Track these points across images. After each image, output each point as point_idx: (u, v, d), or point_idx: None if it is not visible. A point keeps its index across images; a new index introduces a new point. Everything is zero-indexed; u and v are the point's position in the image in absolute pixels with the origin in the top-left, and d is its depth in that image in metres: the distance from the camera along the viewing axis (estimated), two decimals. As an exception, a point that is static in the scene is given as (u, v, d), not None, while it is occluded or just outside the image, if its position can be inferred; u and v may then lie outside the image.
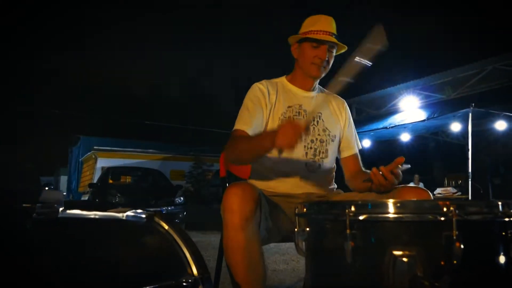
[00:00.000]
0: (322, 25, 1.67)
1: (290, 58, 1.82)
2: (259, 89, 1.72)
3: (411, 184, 2.22)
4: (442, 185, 9.19)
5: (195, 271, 1.20)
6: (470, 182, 6.21)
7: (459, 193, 7.89)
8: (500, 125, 7.76)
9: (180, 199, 8.60)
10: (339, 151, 1.84)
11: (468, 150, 6.39)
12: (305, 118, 1.67)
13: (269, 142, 1.38)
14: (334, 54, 1.71)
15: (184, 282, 1.16)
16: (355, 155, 1.84)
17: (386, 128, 7.95)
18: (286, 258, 3.83)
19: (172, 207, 8.14)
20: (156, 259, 1.18)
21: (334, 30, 1.69)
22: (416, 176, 9.24)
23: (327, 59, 1.67)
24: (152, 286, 1.04)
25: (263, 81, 1.77)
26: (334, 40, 1.66)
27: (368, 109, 9.87)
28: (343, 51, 1.74)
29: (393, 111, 9.01)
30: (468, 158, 6.34)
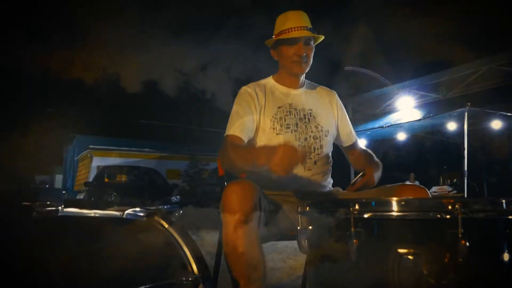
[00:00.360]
0: (291, 22, 1.65)
1: None
2: (248, 92, 1.70)
3: (407, 183, 2.24)
4: (437, 184, 9.24)
5: (195, 269, 1.20)
6: (465, 180, 6.24)
7: (455, 191, 7.94)
8: (496, 124, 7.81)
9: (176, 198, 8.60)
10: (340, 142, 1.87)
11: (463, 149, 6.43)
12: (303, 149, 1.64)
13: (264, 161, 1.34)
14: (312, 46, 1.69)
15: (185, 280, 1.15)
16: (355, 142, 1.87)
17: (382, 127, 7.97)
18: (283, 256, 3.82)
19: (168, 205, 8.14)
20: (157, 258, 1.17)
21: (306, 23, 1.67)
22: (412, 174, 9.28)
23: (305, 54, 1.66)
24: (153, 285, 1.03)
25: (251, 84, 1.75)
26: (307, 33, 1.64)
27: (364, 108, 9.88)
28: (321, 40, 1.73)
29: (389, 111, 9.03)
30: (463, 157, 6.37)
